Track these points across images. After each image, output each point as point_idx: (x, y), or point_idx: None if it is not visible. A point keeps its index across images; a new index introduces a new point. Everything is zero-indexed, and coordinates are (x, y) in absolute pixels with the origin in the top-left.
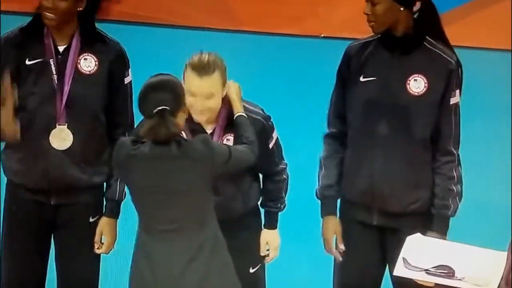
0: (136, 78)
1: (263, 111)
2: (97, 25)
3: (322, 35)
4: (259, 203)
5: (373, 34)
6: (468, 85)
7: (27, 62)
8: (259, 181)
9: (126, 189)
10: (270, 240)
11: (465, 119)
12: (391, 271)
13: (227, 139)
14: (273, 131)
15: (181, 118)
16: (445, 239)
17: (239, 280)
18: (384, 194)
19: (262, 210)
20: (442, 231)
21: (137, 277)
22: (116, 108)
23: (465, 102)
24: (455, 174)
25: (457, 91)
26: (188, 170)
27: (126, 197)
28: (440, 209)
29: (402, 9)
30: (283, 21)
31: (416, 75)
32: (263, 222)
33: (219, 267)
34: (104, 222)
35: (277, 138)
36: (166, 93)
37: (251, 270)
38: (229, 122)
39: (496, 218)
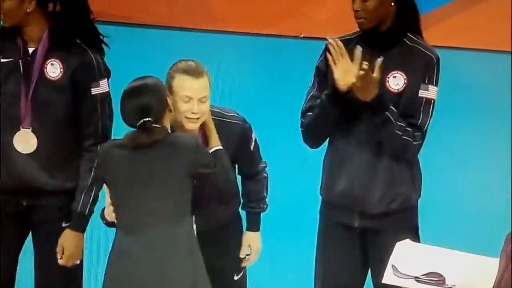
0: (115, 80)
1: (237, 113)
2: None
3: (302, 35)
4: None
5: (354, 31)
6: (450, 85)
7: (1, 60)
8: (237, 184)
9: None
10: (252, 242)
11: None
12: (373, 274)
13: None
14: (251, 132)
15: (167, 119)
16: None
17: None
18: (364, 195)
19: (244, 213)
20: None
21: (112, 273)
22: (83, 118)
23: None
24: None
25: (432, 87)
26: (170, 157)
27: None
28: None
29: (392, 4)
30: (263, 21)
31: (395, 72)
32: (245, 225)
33: (195, 264)
34: (65, 234)
35: (256, 139)
36: (147, 98)
37: (236, 278)
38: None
39: (495, 221)
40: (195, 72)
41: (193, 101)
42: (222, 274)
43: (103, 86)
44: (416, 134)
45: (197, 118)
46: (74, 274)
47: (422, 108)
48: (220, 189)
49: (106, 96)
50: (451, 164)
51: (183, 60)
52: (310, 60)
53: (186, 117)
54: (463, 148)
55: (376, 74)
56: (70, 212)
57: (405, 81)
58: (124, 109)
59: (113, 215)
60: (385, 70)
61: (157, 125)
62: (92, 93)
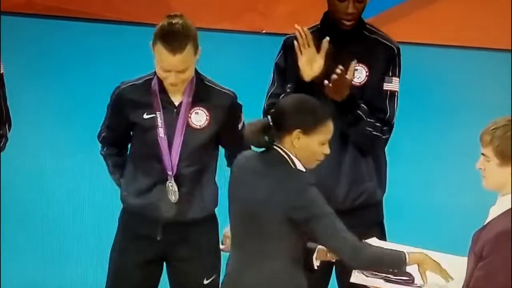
0: (94, 77)
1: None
2: (23, 19)
3: (264, 31)
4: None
5: (312, 25)
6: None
7: None
8: (217, 187)
9: None
10: None
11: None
12: (338, 274)
13: (196, 113)
14: (241, 111)
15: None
16: None
17: None
18: (330, 191)
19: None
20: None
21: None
22: None
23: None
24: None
25: (395, 79)
26: (270, 192)
27: None
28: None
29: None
30: (222, 16)
31: (357, 65)
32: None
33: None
34: None
35: (244, 122)
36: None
37: (205, 282)
38: (196, 95)
39: (464, 220)
40: (174, 46)
41: (171, 72)
42: (191, 277)
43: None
44: (384, 128)
45: (177, 84)
46: None
47: (388, 102)
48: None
49: (2, 77)
50: (423, 160)
51: (169, 22)
52: (272, 56)
53: (167, 83)
54: (436, 143)
55: (349, 76)
56: None
57: (367, 73)
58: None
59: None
60: (346, 64)
61: (276, 146)
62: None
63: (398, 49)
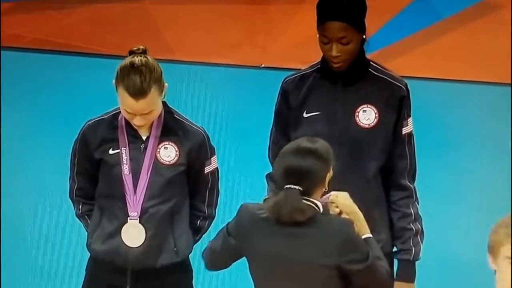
0: (60, 109)
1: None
2: (9, 53)
3: (262, 65)
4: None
5: (310, 65)
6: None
7: None
8: (191, 231)
9: None
10: None
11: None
12: None
13: (164, 148)
14: (213, 155)
15: (317, 194)
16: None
17: None
18: None
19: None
20: (407, 278)
21: None
22: None
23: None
24: (412, 211)
25: (409, 120)
26: (315, 250)
27: None
28: (400, 254)
29: (364, 37)
30: (220, 50)
31: (365, 106)
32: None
33: None
34: None
35: (218, 169)
36: (307, 164)
37: None
38: (165, 129)
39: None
40: (136, 93)
41: (136, 116)
42: None
43: None
44: (411, 196)
45: (143, 126)
46: None
47: (407, 146)
48: None
49: None
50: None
51: (132, 63)
52: (270, 91)
53: (133, 123)
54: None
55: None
56: None
57: (376, 115)
58: (279, 166)
59: None
60: (353, 105)
61: (306, 199)
62: None
63: (407, 86)
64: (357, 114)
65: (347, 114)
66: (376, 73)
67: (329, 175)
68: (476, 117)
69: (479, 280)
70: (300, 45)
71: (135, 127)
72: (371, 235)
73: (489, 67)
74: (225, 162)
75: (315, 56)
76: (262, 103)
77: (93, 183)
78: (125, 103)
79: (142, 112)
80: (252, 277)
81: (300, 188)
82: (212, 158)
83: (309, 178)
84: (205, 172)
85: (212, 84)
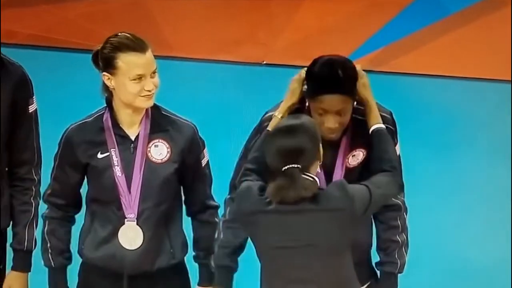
0: (53, 107)
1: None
2: (3, 49)
3: (264, 62)
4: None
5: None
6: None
7: None
8: (184, 233)
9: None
10: None
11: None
12: None
13: (155, 146)
14: (204, 147)
15: (314, 169)
16: None
17: None
18: None
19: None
20: None
21: None
22: (18, 142)
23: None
24: (399, 223)
25: (397, 146)
26: (325, 222)
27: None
28: (385, 266)
29: (354, 102)
30: (222, 47)
31: (354, 151)
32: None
33: None
34: (12, 277)
35: (208, 161)
36: (298, 141)
37: None
38: (153, 127)
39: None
40: (140, 46)
41: (145, 77)
42: None
43: (34, 103)
44: (399, 209)
45: (153, 93)
46: None
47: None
48: None
49: (36, 115)
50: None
51: (118, 36)
52: (272, 88)
53: (141, 96)
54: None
55: None
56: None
57: (364, 154)
58: (270, 149)
59: None
60: (342, 155)
61: (306, 175)
62: (30, 111)
63: (391, 114)
64: (347, 160)
65: (336, 163)
66: (361, 117)
67: (321, 147)
68: (489, 115)
69: (479, 280)
70: (302, 42)
71: (125, 124)
72: (382, 126)
73: (499, 64)
74: (224, 158)
75: (315, 52)
76: (264, 100)
77: (67, 192)
78: (132, 66)
79: (151, 67)
80: (261, 265)
81: (299, 166)
82: (204, 150)
83: (304, 154)
84: (203, 165)
85: (213, 81)
